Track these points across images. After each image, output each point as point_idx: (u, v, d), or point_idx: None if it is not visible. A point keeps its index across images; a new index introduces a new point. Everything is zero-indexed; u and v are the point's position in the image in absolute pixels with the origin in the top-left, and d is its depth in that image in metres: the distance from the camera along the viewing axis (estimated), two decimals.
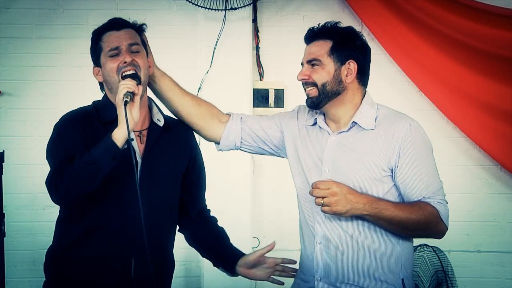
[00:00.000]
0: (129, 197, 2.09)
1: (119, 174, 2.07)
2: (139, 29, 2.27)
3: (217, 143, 2.43)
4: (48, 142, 2.20)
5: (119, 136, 2.01)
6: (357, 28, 3.78)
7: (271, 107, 3.73)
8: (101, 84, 2.28)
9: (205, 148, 3.79)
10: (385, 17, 3.61)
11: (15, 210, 3.68)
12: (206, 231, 2.42)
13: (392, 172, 2.15)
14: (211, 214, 2.49)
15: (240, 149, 2.47)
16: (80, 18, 3.70)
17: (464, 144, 3.75)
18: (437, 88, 3.64)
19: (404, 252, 2.21)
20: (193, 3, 3.50)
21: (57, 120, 2.29)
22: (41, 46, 3.73)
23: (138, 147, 2.19)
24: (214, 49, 3.55)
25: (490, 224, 3.78)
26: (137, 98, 2.06)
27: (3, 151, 3.23)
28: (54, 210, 3.74)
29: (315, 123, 2.31)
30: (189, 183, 2.35)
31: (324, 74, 2.24)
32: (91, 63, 2.32)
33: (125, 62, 2.13)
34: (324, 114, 2.30)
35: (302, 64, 2.35)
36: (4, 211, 3.21)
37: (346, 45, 2.28)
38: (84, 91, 3.74)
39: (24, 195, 3.73)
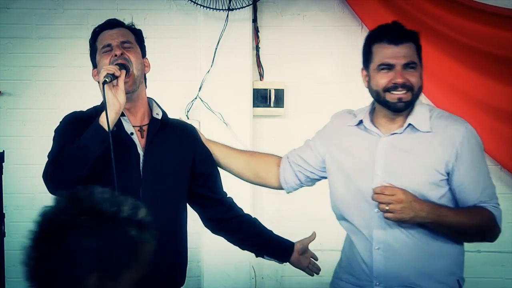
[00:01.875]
0: (132, 189, 2.12)
1: (121, 166, 2.09)
2: (135, 29, 2.29)
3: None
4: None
5: (104, 119, 2.04)
6: (357, 28, 3.80)
7: (271, 107, 3.73)
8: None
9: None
10: (385, 18, 3.59)
11: (15, 210, 3.68)
12: (250, 231, 2.48)
13: (448, 176, 2.11)
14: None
15: (305, 185, 2.48)
16: (80, 18, 3.69)
17: None
18: (436, 88, 3.64)
19: (460, 252, 2.21)
20: (195, 3, 3.50)
21: (58, 120, 2.32)
22: (41, 46, 3.73)
23: (139, 141, 2.22)
24: (216, 48, 3.55)
25: None
26: (120, 82, 2.08)
27: (3, 151, 3.23)
28: None
29: (359, 123, 2.27)
30: (204, 178, 2.37)
31: (419, 78, 2.19)
32: (91, 63, 2.33)
33: (115, 55, 2.16)
34: (371, 115, 2.26)
35: (388, 65, 2.17)
36: (4, 211, 3.21)
37: (420, 50, 2.22)
38: (84, 91, 3.74)
39: (24, 195, 3.73)
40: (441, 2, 3.56)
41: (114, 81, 2.08)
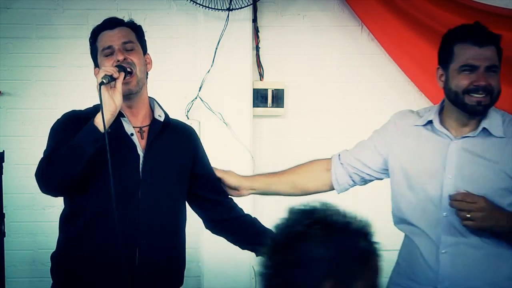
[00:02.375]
0: (131, 189, 2.13)
1: (121, 167, 2.10)
2: (135, 26, 2.28)
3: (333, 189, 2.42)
4: None
5: (99, 119, 2.05)
6: (357, 28, 3.80)
7: (270, 107, 3.73)
8: None
9: (205, 147, 3.79)
10: (384, 18, 3.61)
11: (15, 210, 3.68)
12: (251, 231, 2.46)
13: None
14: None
15: (358, 185, 2.43)
16: (80, 18, 3.69)
17: None
18: (436, 88, 3.63)
19: None
20: (196, 3, 3.50)
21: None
22: (41, 46, 3.73)
23: (139, 142, 2.22)
24: (216, 48, 3.55)
25: None
26: (118, 84, 2.08)
27: (3, 151, 3.22)
28: (54, 210, 3.75)
29: (427, 124, 2.23)
30: (205, 179, 2.38)
31: (498, 82, 2.13)
32: (91, 63, 2.34)
33: (118, 61, 2.16)
34: (440, 116, 2.22)
35: (471, 66, 2.12)
36: (4, 211, 3.21)
37: (501, 53, 2.15)
38: (84, 91, 3.74)
39: (24, 195, 3.73)
40: (441, 2, 3.56)
41: (112, 83, 2.08)
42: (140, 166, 2.18)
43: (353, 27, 3.77)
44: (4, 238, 3.17)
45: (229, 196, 2.49)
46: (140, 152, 2.20)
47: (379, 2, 3.59)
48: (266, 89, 3.73)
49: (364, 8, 3.64)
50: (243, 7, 3.53)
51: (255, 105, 3.71)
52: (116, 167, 2.04)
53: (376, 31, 3.65)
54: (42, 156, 2.21)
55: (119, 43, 2.19)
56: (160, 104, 2.37)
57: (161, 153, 2.23)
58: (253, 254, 2.56)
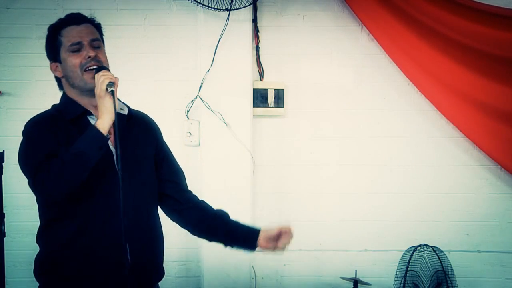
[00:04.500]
0: (112, 187, 2.09)
1: (98, 167, 2.07)
2: (98, 24, 2.29)
3: None
4: (20, 149, 2.21)
5: (103, 126, 2.03)
6: (357, 28, 3.80)
7: (271, 107, 3.73)
8: (58, 80, 2.27)
9: (205, 149, 3.80)
10: (384, 18, 3.61)
11: (15, 210, 3.68)
12: (211, 214, 2.38)
13: None
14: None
15: None
16: None
17: (464, 144, 3.75)
18: (435, 89, 3.64)
19: None
20: (197, 2, 3.50)
21: None
22: (41, 46, 3.67)
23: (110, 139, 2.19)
24: (216, 48, 3.55)
25: (490, 224, 3.78)
26: (116, 88, 2.08)
27: (3, 151, 3.22)
28: None
29: None
30: (165, 165, 2.35)
31: None
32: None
33: (89, 57, 2.15)
34: None
35: None
36: (4, 211, 3.21)
37: None
38: None
39: (24, 195, 3.69)
40: (441, 2, 3.56)
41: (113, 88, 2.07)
42: (115, 162, 2.14)
43: (353, 27, 3.77)
44: (4, 238, 3.17)
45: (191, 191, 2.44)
46: (112, 148, 2.17)
47: (379, 2, 3.59)
48: (266, 89, 3.72)
49: (363, 8, 3.64)
50: (243, 7, 3.53)
51: (255, 105, 3.71)
52: (96, 167, 2.03)
53: (375, 32, 3.65)
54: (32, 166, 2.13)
55: (88, 39, 2.18)
56: (119, 99, 2.30)
57: (130, 145, 2.21)
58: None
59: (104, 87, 2.05)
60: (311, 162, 3.79)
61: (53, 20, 3.80)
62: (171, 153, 2.43)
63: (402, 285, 3.45)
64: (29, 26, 3.71)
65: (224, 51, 3.57)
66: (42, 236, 2.27)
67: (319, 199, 3.82)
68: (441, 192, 3.78)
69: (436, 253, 3.47)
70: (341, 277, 3.62)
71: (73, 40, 2.18)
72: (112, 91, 2.04)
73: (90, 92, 2.12)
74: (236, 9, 3.52)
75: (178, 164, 2.43)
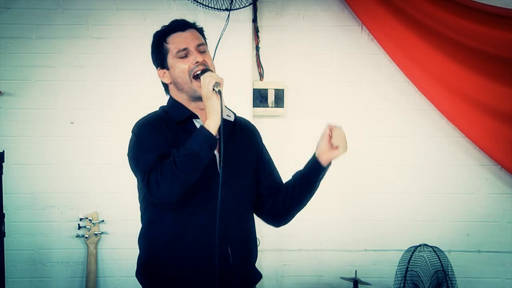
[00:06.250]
0: (214, 190, 2.11)
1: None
2: (201, 29, 2.30)
3: None
4: (130, 149, 2.21)
5: (213, 126, 2.07)
6: (357, 28, 3.80)
7: (271, 107, 3.73)
8: (165, 85, 2.30)
9: None
10: (384, 18, 3.61)
11: (15, 210, 3.68)
12: (284, 189, 2.38)
13: None
14: None
15: None
16: (80, 18, 3.69)
17: (465, 144, 3.75)
18: (435, 89, 3.64)
19: None
20: (197, 2, 3.50)
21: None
22: (41, 46, 3.73)
23: None
24: (216, 48, 3.55)
25: (490, 224, 3.78)
26: (223, 89, 2.11)
27: (3, 151, 3.23)
28: (54, 210, 3.76)
29: None
30: (268, 169, 2.38)
31: None
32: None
33: (196, 62, 2.18)
34: None
35: None
36: (4, 211, 3.22)
37: None
38: (84, 91, 3.75)
39: (24, 195, 3.73)
40: (441, 2, 3.56)
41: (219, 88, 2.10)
42: (218, 166, 2.17)
43: (353, 27, 3.77)
44: (4, 238, 3.18)
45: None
46: (216, 152, 2.18)
47: (379, 2, 3.59)
48: (266, 89, 3.73)
49: (363, 8, 3.64)
50: (243, 7, 3.53)
51: (255, 105, 3.71)
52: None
53: (375, 32, 3.65)
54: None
55: (194, 45, 2.21)
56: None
57: (234, 151, 2.23)
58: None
59: (211, 87, 2.08)
60: None
61: (53, 20, 3.81)
62: (270, 157, 2.45)
63: (402, 285, 3.45)
64: (29, 26, 3.71)
65: (224, 51, 3.57)
66: (144, 238, 2.27)
67: (319, 199, 3.81)
68: (441, 192, 3.78)
69: (436, 253, 3.47)
70: (341, 277, 3.62)
71: (180, 47, 2.21)
72: (219, 91, 2.08)
73: (199, 98, 2.16)
74: (236, 9, 3.53)
75: (273, 163, 2.45)
